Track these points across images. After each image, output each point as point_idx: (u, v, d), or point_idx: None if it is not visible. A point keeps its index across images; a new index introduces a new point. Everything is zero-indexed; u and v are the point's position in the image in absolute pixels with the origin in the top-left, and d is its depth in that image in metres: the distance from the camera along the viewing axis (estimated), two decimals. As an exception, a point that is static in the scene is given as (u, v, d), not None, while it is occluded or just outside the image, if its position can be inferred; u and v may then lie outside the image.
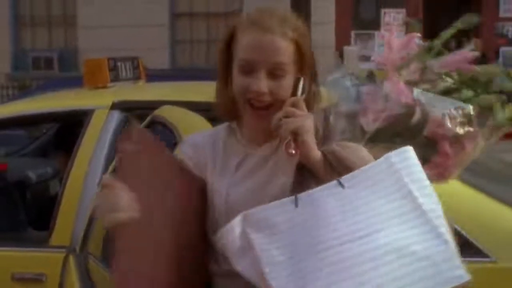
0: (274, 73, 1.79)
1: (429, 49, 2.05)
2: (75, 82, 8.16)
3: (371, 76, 2.05)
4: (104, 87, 3.60)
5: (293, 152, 1.70)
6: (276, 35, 1.79)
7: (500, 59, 13.12)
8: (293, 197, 1.68)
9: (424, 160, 1.90)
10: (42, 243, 3.11)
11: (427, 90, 1.99)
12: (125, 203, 1.63)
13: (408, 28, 2.15)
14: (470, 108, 1.99)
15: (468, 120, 2.00)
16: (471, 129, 2.00)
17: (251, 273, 1.65)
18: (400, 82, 1.97)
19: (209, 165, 1.92)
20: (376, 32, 13.94)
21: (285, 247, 1.65)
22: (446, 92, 2.02)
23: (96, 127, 3.12)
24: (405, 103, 1.95)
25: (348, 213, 1.65)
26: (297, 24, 1.84)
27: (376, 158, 1.76)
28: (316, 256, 1.60)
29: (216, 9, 14.49)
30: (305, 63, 1.84)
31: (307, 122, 1.75)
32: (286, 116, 1.74)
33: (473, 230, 2.60)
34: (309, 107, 1.84)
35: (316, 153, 1.74)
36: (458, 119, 1.98)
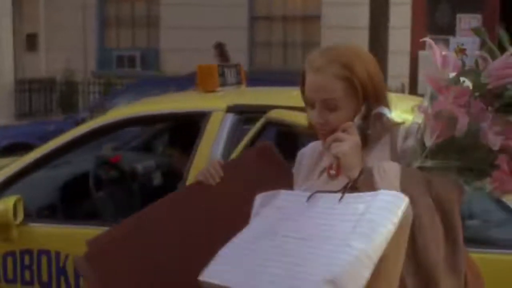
0: (328, 107, 1.99)
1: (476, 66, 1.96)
2: (163, 83, 8.59)
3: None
4: (214, 91, 3.98)
5: (334, 173, 1.90)
6: (323, 75, 1.98)
7: None
8: (306, 193, 1.95)
9: (482, 175, 1.96)
10: None
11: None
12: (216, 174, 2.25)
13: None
14: None
15: None
16: None
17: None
18: (449, 98, 1.90)
19: (301, 172, 2.21)
20: (450, 37, 14.00)
21: (265, 226, 1.93)
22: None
23: (213, 128, 3.50)
24: (450, 115, 1.90)
25: (313, 218, 1.85)
26: (350, 60, 1.98)
27: (406, 174, 1.88)
28: (269, 237, 1.88)
29: (293, 13, 14.80)
30: (362, 93, 1.99)
31: (347, 147, 1.89)
32: (335, 140, 1.91)
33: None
34: (374, 130, 2.02)
35: (354, 172, 1.89)
36: None
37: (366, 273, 1.66)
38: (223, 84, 4.10)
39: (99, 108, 8.47)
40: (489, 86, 1.91)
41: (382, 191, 1.79)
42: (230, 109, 3.56)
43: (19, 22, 14.86)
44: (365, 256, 1.67)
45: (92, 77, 15.15)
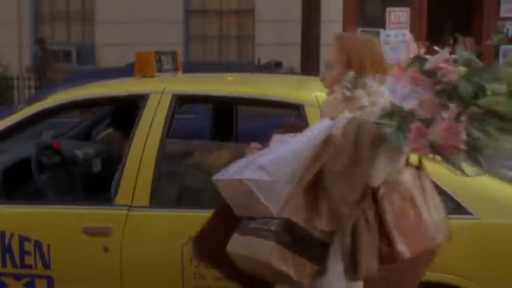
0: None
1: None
2: (99, 75, 8.58)
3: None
4: (152, 76, 4.18)
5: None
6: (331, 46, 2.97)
7: (500, 58, 13.54)
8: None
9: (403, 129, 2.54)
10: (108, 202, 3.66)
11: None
12: None
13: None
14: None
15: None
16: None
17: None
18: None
19: None
20: (381, 30, 14.38)
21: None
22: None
23: (151, 109, 3.69)
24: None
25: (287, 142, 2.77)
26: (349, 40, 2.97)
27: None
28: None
29: (228, 7, 14.99)
30: (350, 64, 2.86)
31: (332, 97, 2.87)
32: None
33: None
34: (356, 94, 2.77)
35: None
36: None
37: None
38: (160, 70, 4.30)
39: (36, 100, 8.50)
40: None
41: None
42: (166, 92, 3.76)
43: None
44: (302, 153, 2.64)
45: (27, 72, 15.04)
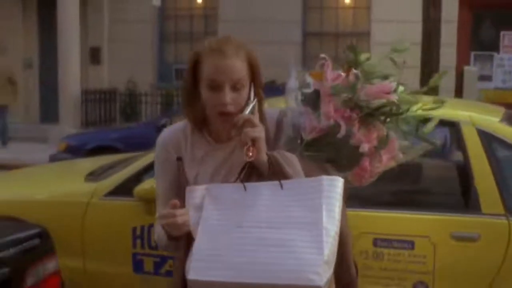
0: (236, 87, 2.23)
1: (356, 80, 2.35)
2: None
3: (314, 97, 2.36)
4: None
5: (251, 155, 2.15)
6: (234, 58, 2.22)
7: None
8: (238, 184, 2.17)
9: (347, 168, 2.37)
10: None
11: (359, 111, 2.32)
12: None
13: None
14: (384, 129, 2.36)
15: (384, 138, 2.36)
16: (387, 145, 2.38)
17: (194, 223, 2.14)
18: (330, 105, 2.30)
19: (184, 156, 2.37)
20: (494, 53, 14.55)
21: (221, 216, 2.13)
22: (370, 115, 2.33)
23: None
24: (334, 122, 2.29)
25: (272, 207, 2.10)
26: (247, 47, 2.30)
27: (304, 167, 2.24)
28: (236, 229, 2.08)
29: (343, 30, 15.50)
30: (256, 75, 2.30)
31: (262, 133, 2.19)
32: (249, 126, 2.16)
33: None
34: (259, 109, 2.31)
35: (263, 156, 2.18)
36: (376, 138, 2.35)
37: (336, 247, 2.07)
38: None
39: (178, 115, 9.28)
40: (362, 103, 2.32)
41: (323, 177, 2.13)
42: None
43: (84, 36, 15.64)
44: (336, 234, 2.06)
45: (152, 89, 15.83)
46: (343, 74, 2.34)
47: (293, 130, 2.33)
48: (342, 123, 2.28)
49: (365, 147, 2.32)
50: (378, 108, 2.33)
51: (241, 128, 2.17)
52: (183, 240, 2.22)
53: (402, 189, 4.52)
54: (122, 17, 16.20)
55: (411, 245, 4.01)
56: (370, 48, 14.90)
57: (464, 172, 4.23)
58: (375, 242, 4.05)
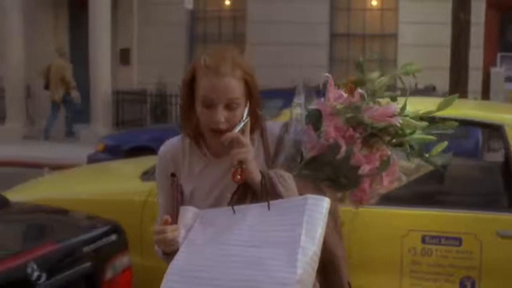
0: (230, 106, 2.19)
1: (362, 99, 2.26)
2: (273, 94, 9.26)
3: (317, 115, 2.29)
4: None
5: (239, 178, 2.13)
6: (229, 78, 2.17)
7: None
8: (230, 207, 2.15)
9: (345, 188, 2.31)
10: None
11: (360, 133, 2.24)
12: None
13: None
14: (388, 150, 2.28)
15: (386, 160, 2.27)
16: (389, 167, 2.28)
17: (181, 242, 2.15)
18: (331, 125, 2.23)
19: (181, 170, 2.35)
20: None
21: (205, 237, 2.12)
22: (374, 135, 2.25)
23: None
24: (334, 142, 2.23)
25: (255, 227, 2.08)
26: (245, 65, 2.23)
27: (299, 187, 2.17)
28: (217, 247, 2.07)
29: (371, 32, 15.64)
30: (252, 94, 2.24)
31: (250, 154, 2.14)
32: (236, 145, 2.14)
33: None
34: (255, 126, 2.28)
35: (256, 176, 2.15)
36: (378, 159, 2.26)
37: (316, 267, 2.01)
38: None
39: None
40: (367, 122, 2.23)
41: (308, 196, 2.09)
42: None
43: (114, 37, 15.90)
44: (315, 254, 2.00)
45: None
46: (344, 94, 2.27)
47: (293, 147, 2.27)
48: (343, 144, 2.22)
49: (365, 169, 2.25)
50: (383, 128, 2.26)
51: (229, 147, 2.15)
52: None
53: (449, 189, 4.72)
54: (151, 19, 16.44)
55: (458, 241, 4.20)
56: (397, 50, 15.06)
57: (509, 173, 4.42)
58: (424, 239, 4.24)
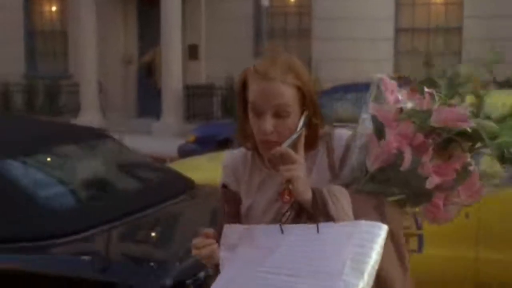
0: (279, 114, 2.00)
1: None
2: (357, 88, 9.39)
3: (377, 122, 2.02)
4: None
5: (288, 198, 1.93)
6: (278, 82, 1.98)
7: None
8: (278, 225, 1.95)
9: (415, 204, 2.05)
10: None
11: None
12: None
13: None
14: (467, 157, 1.99)
15: (464, 171, 1.98)
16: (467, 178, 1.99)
17: (221, 263, 2.03)
18: (393, 132, 1.96)
19: (241, 183, 2.22)
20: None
21: (248, 257, 1.96)
22: (451, 140, 1.97)
23: None
24: (397, 151, 1.95)
25: (299, 253, 1.87)
26: (298, 70, 2.03)
27: (359, 206, 1.94)
28: (255, 274, 1.89)
29: (436, 25, 15.72)
30: (307, 102, 2.04)
31: (300, 171, 1.94)
32: (286, 162, 1.94)
33: None
34: (313, 138, 2.10)
35: (307, 195, 1.93)
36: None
37: None
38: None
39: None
40: (443, 128, 1.95)
41: (362, 221, 1.86)
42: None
43: (183, 33, 16.34)
44: None
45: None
46: (401, 96, 2.02)
47: (358, 158, 2.05)
48: (408, 152, 1.93)
49: (433, 181, 1.94)
50: (462, 132, 1.95)
51: (278, 163, 1.97)
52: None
53: None
54: (219, 15, 16.87)
55: None
56: (462, 43, 15.16)
57: None
58: None
